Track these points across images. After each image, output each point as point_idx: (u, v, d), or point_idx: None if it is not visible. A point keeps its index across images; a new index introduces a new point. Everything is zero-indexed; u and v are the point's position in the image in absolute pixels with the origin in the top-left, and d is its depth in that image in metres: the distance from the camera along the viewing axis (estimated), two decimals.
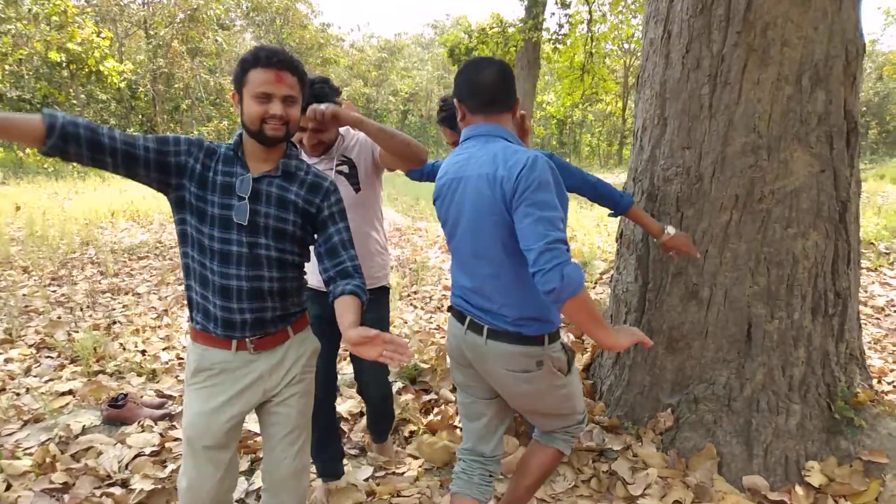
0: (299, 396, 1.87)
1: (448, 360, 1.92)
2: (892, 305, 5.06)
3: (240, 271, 1.73)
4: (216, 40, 23.78)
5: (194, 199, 1.72)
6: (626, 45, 25.35)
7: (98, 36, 17.62)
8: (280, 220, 1.76)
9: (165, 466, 2.66)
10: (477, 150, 1.85)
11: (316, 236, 1.84)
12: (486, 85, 1.86)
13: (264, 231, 1.74)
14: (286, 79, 1.68)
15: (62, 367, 3.98)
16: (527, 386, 1.89)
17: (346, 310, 1.65)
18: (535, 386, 1.89)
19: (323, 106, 2.05)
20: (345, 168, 2.40)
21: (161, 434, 2.92)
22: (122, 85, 20.25)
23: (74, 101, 20.46)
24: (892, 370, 3.74)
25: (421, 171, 2.71)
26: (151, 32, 22.13)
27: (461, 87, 1.90)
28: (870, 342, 4.21)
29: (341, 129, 2.43)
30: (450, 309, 2.04)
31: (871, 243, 6.70)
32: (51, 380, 3.75)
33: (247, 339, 1.78)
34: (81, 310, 5.21)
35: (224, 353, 1.78)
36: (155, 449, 2.79)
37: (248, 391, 1.79)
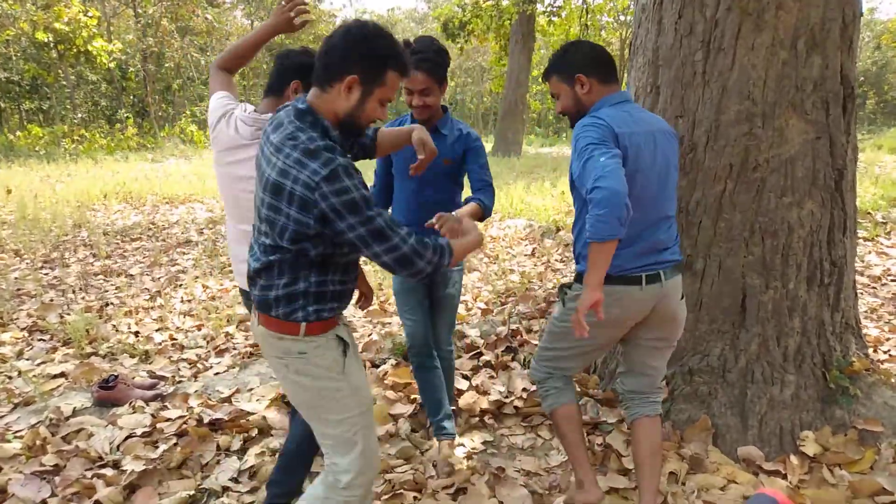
0: None
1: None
2: (889, 275, 5.03)
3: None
4: (206, 18, 23.43)
5: None
6: (621, 17, 25.02)
7: (85, 15, 17.33)
8: None
9: (157, 447, 2.64)
10: (637, 111, 2.03)
11: None
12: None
13: None
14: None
15: (54, 349, 3.95)
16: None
17: None
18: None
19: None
20: None
21: (152, 415, 2.90)
22: (112, 65, 19.98)
23: (64, 83, 20.19)
24: (888, 339, 3.73)
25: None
26: (140, 11, 21.78)
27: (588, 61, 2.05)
28: (866, 311, 4.19)
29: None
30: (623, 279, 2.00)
31: (868, 213, 6.67)
32: (43, 362, 3.72)
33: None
34: (74, 292, 5.17)
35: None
36: (146, 430, 2.76)
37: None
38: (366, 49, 1.52)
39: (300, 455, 2.15)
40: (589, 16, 16.80)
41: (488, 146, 17.27)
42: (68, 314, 4.53)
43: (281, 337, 1.61)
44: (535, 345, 3.50)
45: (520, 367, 3.33)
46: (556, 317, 2.19)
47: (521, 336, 3.66)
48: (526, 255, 6.20)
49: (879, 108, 31.22)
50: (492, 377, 3.24)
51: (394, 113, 23.84)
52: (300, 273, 1.56)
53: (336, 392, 1.64)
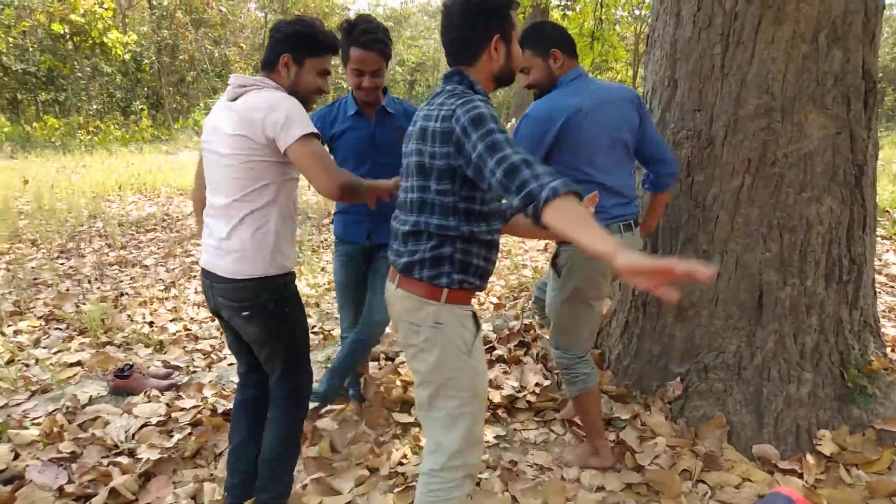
0: None
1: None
2: None
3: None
4: (220, 10, 23.49)
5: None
6: (636, 12, 24.80)
7: (101, 7, 17.42)
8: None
9: (171, 436, 2.66)
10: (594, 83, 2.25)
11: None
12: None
13: None
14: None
15: (70, 338, 3.99)
16: None
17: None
18: None
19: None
20: None
21: (167, 404, 2.92)
22: (127, 57, 20.09)
23: (80, 75, 20.34)
24: None
25: None
26: (155, 3, 21.87)
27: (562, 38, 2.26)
28: (884, 310, 4.14)
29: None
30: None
31: (887, 211, 6.58)
32: (59, 351, 3.76)
33: None
34: (89, 282, 5.22)
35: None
36: (161, 419, 2.79)
37: None
38: None
39: (285, 455, 2.14)
40: (603, 10, 16.64)
41: None
42: (84, 304, 4.57)
43: (421, 301, 1.62)
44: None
45: (532, 362, 3.32)
46: (555, 295, 2.31)
47: (534, 331, 3.65)
48: (538, 251, 6.18)
49: None
50: (505, 372, 3.23)
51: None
52: (447, 238, 1.59)
53: (459, 371, 1.63)
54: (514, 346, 3.52)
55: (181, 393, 3.08)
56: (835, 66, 2.42)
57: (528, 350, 3.47)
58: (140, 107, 20.29)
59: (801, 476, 2.40)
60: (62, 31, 17.41)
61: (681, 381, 2.75)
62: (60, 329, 4.16)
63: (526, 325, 3.73)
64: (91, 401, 2.96)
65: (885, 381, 2.65)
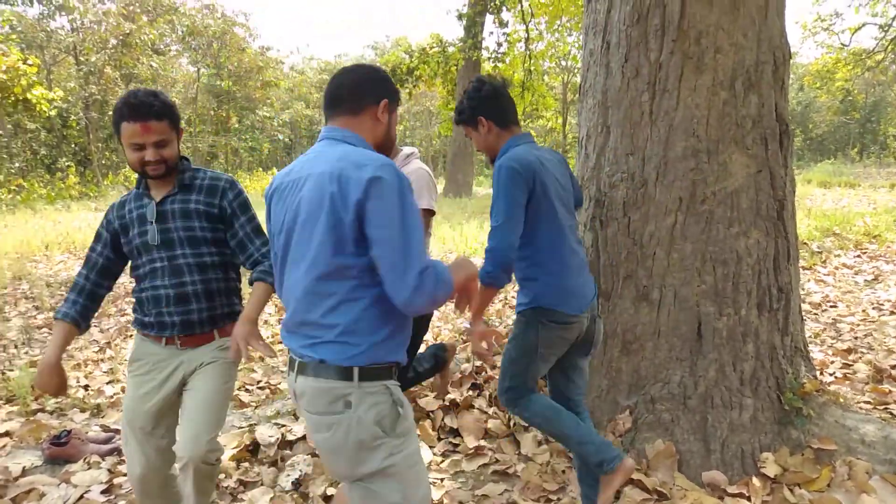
0: (211, 370, 2.07)
1: None
2: (828, 301, 5.29)
3: (164, 281, 2.02)
4: (151, 66, 23.23)
5: (125, 245, 2.08)
6: (563, 62, 25.98)
7: (24, 63, 16.92)
8: (188, 229, 2.03)
9: None
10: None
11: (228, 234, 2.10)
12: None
13: (179, 243, 2.03)
14: (154, 127, 1.91)
15: None
16: None
17: (252, 296, 2.01)
18: None
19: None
20: None
21: (109, 470, 2.78)
22: (53, 113, 19.48)
23: (0, 133, 19.57)
24: (832, 362, 3.90)
25: None
26: (82, 59, 21.44)
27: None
28: (810, 336, 4.38)
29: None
30: None
31: (805, 243, 7.01)
32: None
33: (175, 337, 2.06)
34: (16, 347, 4.94)
35: (155, 345, 2.08)
36: (103, 486, 2.65)
37: (170, 378, 2.07)
38: None
39: None
40: (532, 61, 17.37)
41: (440, 187, 17.53)
42: (11, 370, 4.32)
43: None
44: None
45: (485, 404, 3.34)
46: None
47: (486, 372, 3.68)
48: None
49: (806, 144, 33.07)
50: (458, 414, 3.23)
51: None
52: None
53: None
54: (467, 389, 3.53)
55: (123, 457, 2.93)
56: (752, 110, 2.62)
57: (481, 392, 3.49)
58: (67, 163, 19.62)
59: (748, 499, 2.49)
60: None
61: (630, 413, 2.83)
62: None
63: (477, 367, 3.76)
64: (24, 472, 2.79)
65: (818, 402, 2.80)
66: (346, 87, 1.65)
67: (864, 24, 20.40)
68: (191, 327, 2.05)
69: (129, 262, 2.13)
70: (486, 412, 3.25)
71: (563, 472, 2.72)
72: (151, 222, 2.01)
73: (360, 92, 1.65)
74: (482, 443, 3.01)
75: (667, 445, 2.69)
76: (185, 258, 2.03)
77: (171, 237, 2.02)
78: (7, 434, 3.33)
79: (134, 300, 2.12)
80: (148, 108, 1.88)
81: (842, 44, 22.02)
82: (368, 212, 1.43)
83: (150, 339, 2.09)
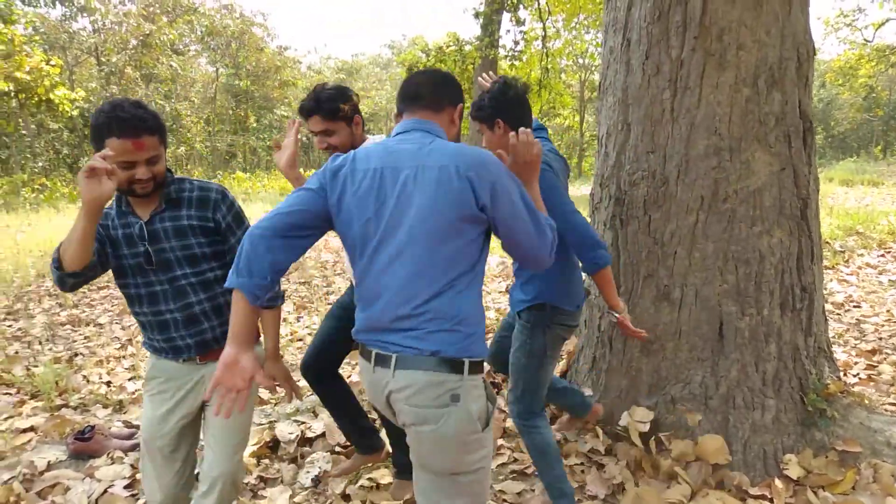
0: None
1: None
2: (851, 301, 5.21)
3: (169, 306, 1.90)
4: (171, 66, 23.48)
5: (114, 260, 1.89)
6: (580, 60, 25.87)
7: (48, 64, 17.18)
8: (185, 248, 1.89)
9: (137, 499, 2.56)
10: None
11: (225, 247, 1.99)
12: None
13: (177, 263, 1.89)
14: (147, 143, 1.74)
15: (22, 402, 3.82)
16: None
17: (268, 327, 2.01)
18: None
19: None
20: None
21: (132, 465, 2.81)
22: (75, 113, 19.77)
23: (24, 132, 19.88)
24: (856, 363, 3.85)
25: None
26: (103, 59, 21.73)
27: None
28: (833, 337, 4.32)
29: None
30: None
31: (827, 242, 6.91)
32: (10, 417, 3.59)
33: (194, 357, 1.98)
34: (40, 343, 5.02)
35: (171, 363, 1.99)
36: (126, 481, 2.68)
37: (190, 394, 1.98)
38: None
39: None
40: (549, 59, 17.30)
41: None
42: (35, 366, 4.39)
43: None
44: None
45: (503, 403, 3.33)
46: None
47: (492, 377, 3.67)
48: (500, 293, 6.24)
49: (827, 142, 32.64)
50: None
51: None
52: None
53: None
54: None
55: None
56: (775, 107, 2.59)
57: (500, 391, 3.48)
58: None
59: (771, 501, 2.46)
60: (7, 89, 17.07)
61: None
62: (10, 394, 3.97)
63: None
64: (49, 466, 2.83)
65: (843, 404, 2.76)
66: (427, 86, 1.73)
67: (887, 20, 20.07)
68: (207, 345, 1.96)
69: (115, 277, 1.95)
70: (504, 411, 3.25)
71: (582, 472, 2.71)
72: (144, 244, 1.86)
73: (441, 92, 1.74)
74: (501, 441, 3.01)
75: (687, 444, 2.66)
76: (186, 278, 1.90)
77: (168, 258, 1.87)
78: (32, 429, 3.39)
79: (137, 322, 2.00)
80: (141, 122, 1.71)
81: (865, 40, 21.69)
82: (498, 199, 1.53)
83: (164, 356, 2.00)
